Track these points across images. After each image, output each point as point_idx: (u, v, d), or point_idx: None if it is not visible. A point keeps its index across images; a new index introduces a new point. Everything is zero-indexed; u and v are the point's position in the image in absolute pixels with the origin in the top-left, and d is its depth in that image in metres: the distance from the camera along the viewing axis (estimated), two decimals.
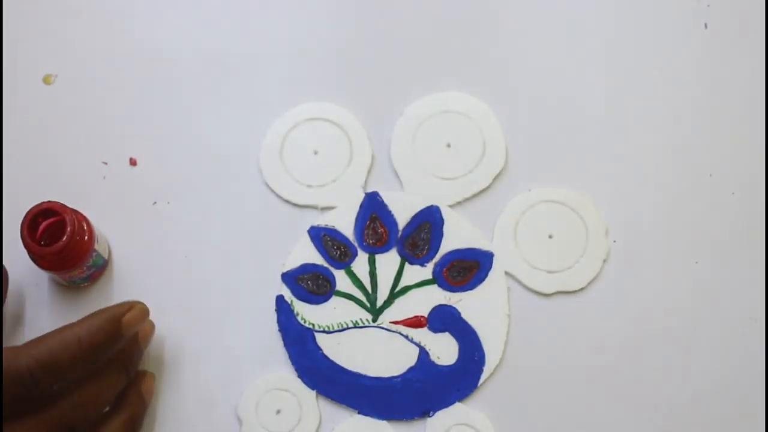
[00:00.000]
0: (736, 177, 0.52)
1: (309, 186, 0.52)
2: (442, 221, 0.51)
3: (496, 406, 0.49)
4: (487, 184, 0.51)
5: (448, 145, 0.52)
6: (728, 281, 0.51)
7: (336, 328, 0.50)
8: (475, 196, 0.51)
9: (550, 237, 0.51)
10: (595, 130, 0.52)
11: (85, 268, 0.48)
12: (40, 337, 0.43)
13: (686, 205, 0.52)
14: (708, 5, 0.54)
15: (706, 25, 0.53)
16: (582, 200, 0.51)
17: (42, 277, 0.51)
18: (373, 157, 0.52)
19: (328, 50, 0.53)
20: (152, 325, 0.48)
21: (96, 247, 0.48)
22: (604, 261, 0.51)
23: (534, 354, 0.50)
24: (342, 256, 0.51)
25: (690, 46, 0.53)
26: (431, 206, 0.51)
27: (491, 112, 0.52)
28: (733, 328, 0.50)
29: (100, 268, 0.50)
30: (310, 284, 0.50)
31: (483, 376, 0.49)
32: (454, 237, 0.51)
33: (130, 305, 0.46)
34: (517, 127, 0.52)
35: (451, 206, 0.51)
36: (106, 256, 0.50)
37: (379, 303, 0.50)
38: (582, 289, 0.50)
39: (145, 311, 0.46)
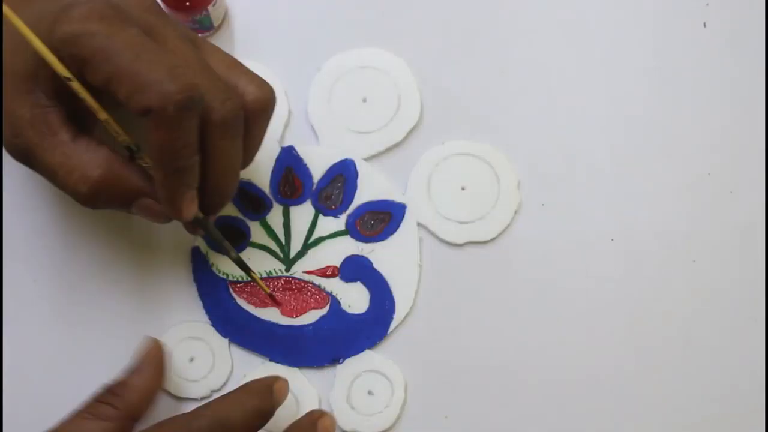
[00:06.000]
0: (735, 176, 0.51)
1: None
2: (356, 174, 0.51)
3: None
4: (402, 138, 0.52)
5: (364, 100, 0.52)
6: (727, 280, 0.50)
7: (248, 280, 0.50)
8: (389, 149, 0.52)
9: (463, 189, 0.51)
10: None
11: (191, 19, 0.50)
12: (207, 402, 0.45)
13: (684, 203, 0.51)
14: (707, 4, 0.53)
15: (705, 24, 0.53)
16: (495, 153, 0.51)
17: (42, 272, 0.51)
18: (290, 112, 0.52)
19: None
20: (334, 423, 0.49)
21: (210, 8, 0.50)
22: (516, 212, 0.51)
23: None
24: (257, 208, 0.51)
25: (689, 45, 0.53)
26: (346, 159, 0.51)
27: (407, 67, 0.52)
28: (732, 327, 0.49)
29: (205, 29, 0.52)
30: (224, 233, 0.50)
31: (393, 325, 0.50)
32: (368, 190, 0.51)
33: (276, 377, 0.47)
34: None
35: (366, 159, 0.51)
36: (215, 24, 0.52)
37: (293, 254, 0.51)
38: (493, 239, 0.51)
39: (288, 384, 0.47)
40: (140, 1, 0.43)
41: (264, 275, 0.50)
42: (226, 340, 0.50)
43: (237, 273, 0.50)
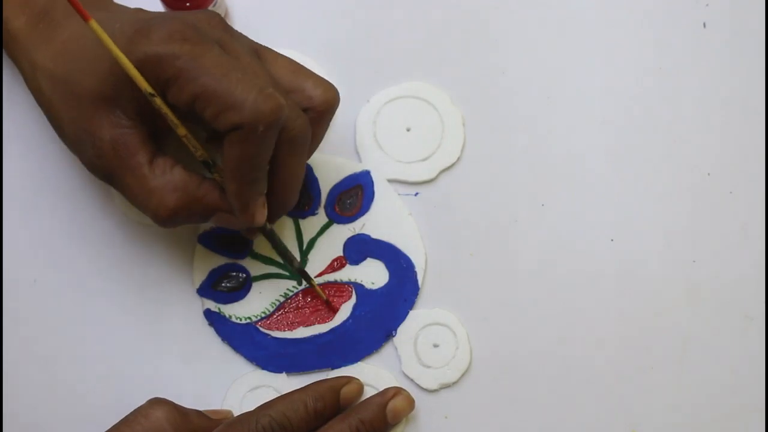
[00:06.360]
0: (735, 176, 0.51)
1: None
2: (309, 168, 0.51)
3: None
4: None
5: None
6: (727, 280, 0.50)
7: (272, 309, 0.50)
8: None
9: (408, 130, 0.52)
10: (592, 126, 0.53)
11: None
12: (272, 400, 0.47)
13: (684, 203, 0.51)
14: (707, 5, 0.53)
15: (704, 25, 0.53)
16: (437, 92, 0.52)
17: (42, 272, 0.51)
18: None
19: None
20: (410, 404, 0.49)
21: (211, 9, 0.50)
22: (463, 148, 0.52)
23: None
24: (240, 247, 0.51)
25: (688, 46, 0.53)
26: None
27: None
28: (731, 327, 0.50)
29: None
30: (228, 284, 0.51)
31: (420, 276, 0.51)
32: (328, 176, 0.52)
33: (348, 379, 0.49)
34: None
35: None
36: None
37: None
38: (456, 163, 0.52)
39: (362, 387, 0.49)
40: (209, 17, 0.45)
41: (282, 299, 0.51)
42: (283, 374, 0.50)
43: (257, 311, 0.50)
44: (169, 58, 0.41)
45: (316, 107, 0.45)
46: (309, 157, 0.47)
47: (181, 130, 0.44)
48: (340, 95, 0.46)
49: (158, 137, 0.46)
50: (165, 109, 0.43)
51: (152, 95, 0.42)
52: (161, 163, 0.44)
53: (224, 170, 0.43)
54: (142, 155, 0.44)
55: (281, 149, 0.44)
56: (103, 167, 0.44)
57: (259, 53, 0.46)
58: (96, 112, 0.44)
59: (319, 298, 0.50)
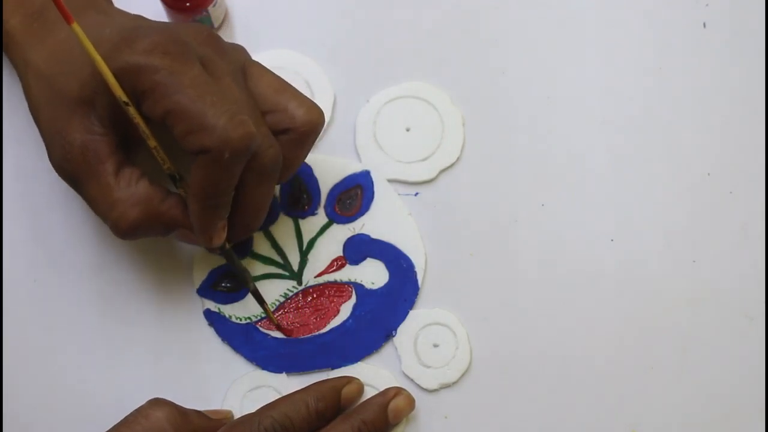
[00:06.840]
0: (735, 176, 0.51)
1: None
2: (309, 168, 0.51)
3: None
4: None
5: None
6: (727, 280, 0.50)
7: (272, 309, 0.50)
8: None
9: (408, 130, 0.52)
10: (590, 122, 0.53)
11: (191, 20, 0.50)
12: (273, 401, 0.47)
13: (684, 203, 0.51)
14: (707, 5, 0.53)
15: (704, 25, 0.53)
16: (437, 92, 0.52)
17: (42, 272, 0.51)
18: None
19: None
20: (411, 404, 0.49)
21: (210, 8, 0.50)
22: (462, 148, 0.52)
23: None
24: (240, 247, 0.51)
25: (688, 46, 0.53)
26: None
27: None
28: (731, 327, 0.50)
29: None
30: (227, 285, 0.51)
31: (420, 276, 0.51)
32: (328, 176, 0.52)
33: (349, 379, 0.49)
34: None
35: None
36: (215, 25, 0.52)
37: (296, 267, 0.51)
38: (456, 163, 0.52)
39: (363, 387, 0.49)
40: (198, 32, 0.44)
41: (282, 299, 0.51)
42: (283, 374, 0.50)
43: (257, 311, 0.50)
44: (148, 70, 0.41)
45: (298, 128, 0.45)
46: (286, 179, 0.47)
47: (152, 142, 0.44)
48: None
49: (130, 145, 0.45)
50: (138, 119, 0.43)
51: (126, 104, 0.42)
52: (127, 174, 0.44)
53: (189, 190, 0.43)
54: (110, 164, 0.44)
55: (249, 176, 0.44)
56: (70, 171, 0.44)
57: (246, 70, 0.46)
58: (72, 115, 0.44)
59: (320, 298, 0.50)
